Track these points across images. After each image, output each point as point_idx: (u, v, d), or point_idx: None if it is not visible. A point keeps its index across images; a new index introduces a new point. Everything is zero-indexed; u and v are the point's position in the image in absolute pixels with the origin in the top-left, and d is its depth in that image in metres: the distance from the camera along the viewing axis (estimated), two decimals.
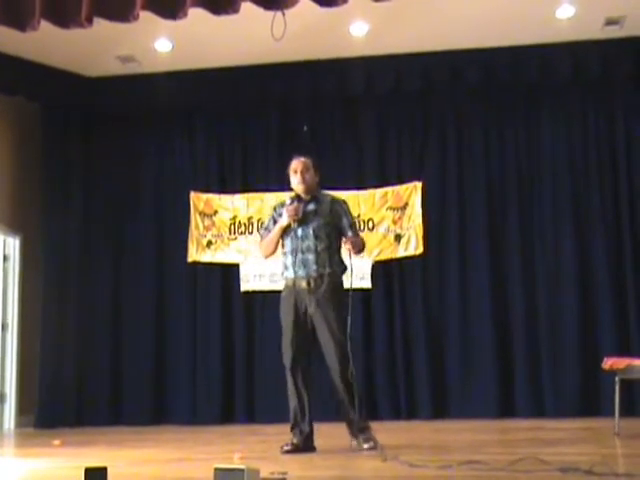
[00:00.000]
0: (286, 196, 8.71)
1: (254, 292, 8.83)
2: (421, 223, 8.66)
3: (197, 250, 8.98)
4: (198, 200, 9.06)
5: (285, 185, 8.71)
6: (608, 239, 8.33)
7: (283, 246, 5.70)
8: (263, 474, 3.92)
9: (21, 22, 5.59)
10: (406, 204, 8.73)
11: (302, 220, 5.60)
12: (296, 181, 5.72)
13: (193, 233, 9.02)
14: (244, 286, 8.83)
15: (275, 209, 5.87)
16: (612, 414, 6.21)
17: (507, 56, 8.45)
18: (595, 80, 8.54)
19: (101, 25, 5.71)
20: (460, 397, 8.38)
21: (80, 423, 8.59)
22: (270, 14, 5.47)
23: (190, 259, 8.97)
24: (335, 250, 5.66)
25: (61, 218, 8.86)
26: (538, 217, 8.53)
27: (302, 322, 5.58)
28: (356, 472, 4.79)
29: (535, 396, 8.21)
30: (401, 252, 8.68)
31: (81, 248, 8.98)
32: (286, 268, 5.68)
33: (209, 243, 9.01)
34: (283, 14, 5.41)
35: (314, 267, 5.55)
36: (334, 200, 5.80)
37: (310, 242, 5.58)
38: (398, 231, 8.72)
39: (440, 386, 8.44)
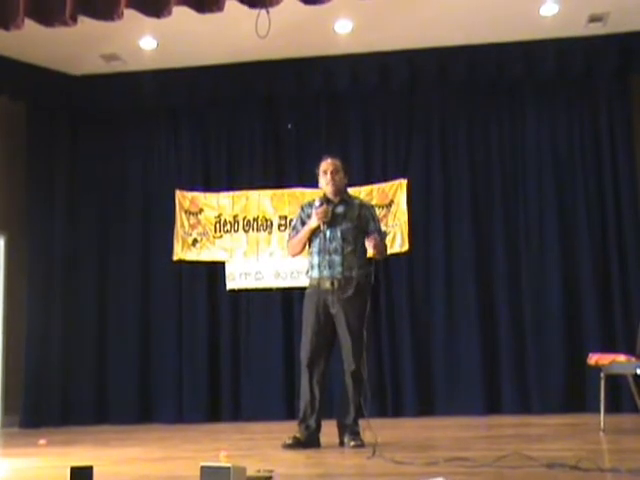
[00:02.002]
0: (272, 194, 8.83)
1: (240, 290, 8.82)
2: (407, 220, 8.66)
3: (182, 248, 8.96)
4: (183, 198, 9.04)
5: (270, 182, 8.86)
6: (593, 236, 8.35)
7: (310, 246, 5.81)
8: (249, 472, 3.92)
9: (5, 20, 5.58)
10: (391, 201, 8.73)
11: (330, 222, 5.69)
12: (325, 182, 5.82)
13: (178, 231, 9.00)
14: (230, 284, 8.82)
15: (303, 209, 5.98)
16: (597, 410, 6.24)
17: (492, 53, 8.47)
18: (579, 76, 8.57)
19: (85, 23, 5.71)
20: (446, 394, 8.39)
21: (65, 422, 8.55)
22: (255, 12, 5.47)
23: (175, 257, 8.95)
24: (362, 253, 5.74)
25: (46, 217, 8.83)
26: (523, 214, 8.56)
27: (323, 321, 5.67)
28: (341, 469, 4.80)
29: (521, 392, 8.23)
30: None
31: (66, 247, 8.93)
32: (312, 267, 5.77)
33: (194, 241, 8.99)
34: (267, 12, 5.42)
35: (339, 269, 5.65)
36: (362, 204, 5.93)
37: (337, 244, 5.68)
38: (384, 228, 8.72)
39: (426, 383, 8.45)
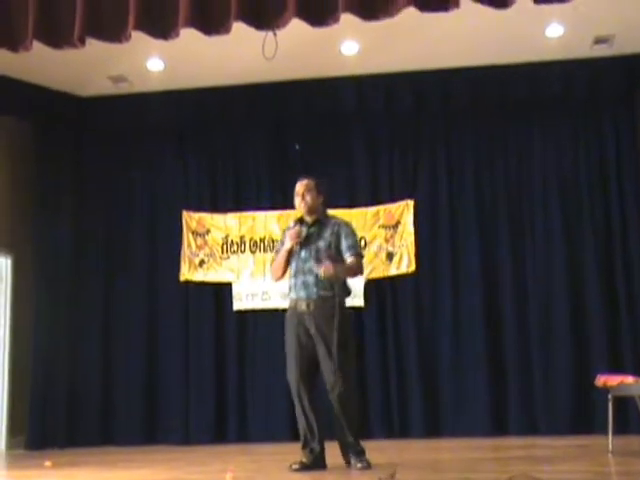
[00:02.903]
0: (278, 215, 8.84)
1: (246, 311, 8.82)
2: (413, 241, 8.66)
3: (189, 269, 8.97)
4: (190, 219, 9.06)
5: (277, 203, 8.87)
6: (599, 256, 8.34)
7: (290, 268, 5.85)
8: None
9: (14, 42, 5.62)
10: (398, 222, 8.74)
11: (305, 242, 5.73)
12: (297, 202, 5.87)
13: (185, 252, 9.01)
14: (236, 305, 8.81)
15: (284, 232, 6.01)
16: (605, 431, 6.22)
17: (497, 74, 8.49)
18: (584, 98, 8.58)
19: (93, 45, 5.74)
20: (453, 415, 8.36)
21: (71, 444, 8.52)
22: (261, 34, 5.51)
23: (182, 278, 8.95)
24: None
25: (53, 238, 8.83)
26: (529, 234, 8.55)
27: (304, 343, 5.65)
28: None
29: (528, 414, 8.20)
30: (393, 270, 8.69)
31: (73, 267, 8.94)
32: (290, 290, 5.80)
33: (201, 262, 9.00)
34: (274, 34, 5.45)
35: (314, 289, 5.64)
36: (337, 222, 5.91)
37: (311, 264, 5.68)
38: (390, 249, 8.73)
39: (433, 404, 8.41)
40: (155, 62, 8.22)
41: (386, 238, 8.75)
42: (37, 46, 5.64)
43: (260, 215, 8.86)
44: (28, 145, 8.99)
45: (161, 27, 5.45)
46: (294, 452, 5.66)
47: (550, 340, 8.29)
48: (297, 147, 8.97)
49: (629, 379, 6.24)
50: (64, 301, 8.83)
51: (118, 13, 5.42)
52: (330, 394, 5.58)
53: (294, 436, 7.92)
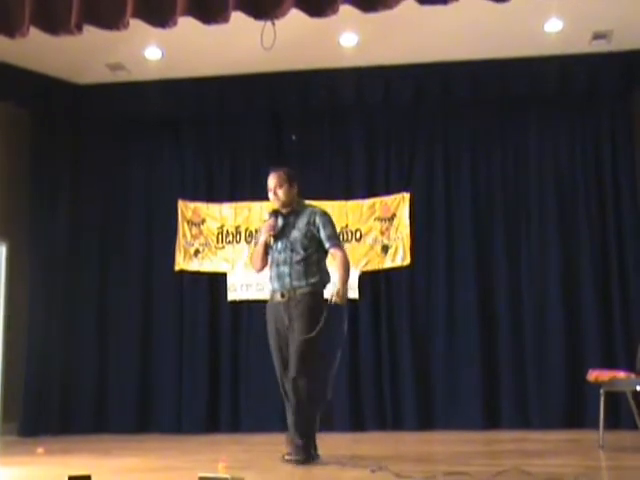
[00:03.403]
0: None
1: (241, 301, 8.82)
2: (409, 234, 8.67)
3: (184, 259, 8.97)
4: (186, 209, 9.06)
5: None
6: (594, 252, 8.35)
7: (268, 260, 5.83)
8: None
9: (10, 28, 5.60)
10: (394, 215, 8.74)
11: (280, 234, 5.69)
12: (270, 197, 5.85)
13: (180, 242, 9.01)
14: (231, 295, 8.82)
15: (265, 221, 5.94)
16: (597, 426, 6.23)
17: (496, 69, 8.49)
18: (582, 93, 8.58)
19: (91, 32, 5.72)
20: (446, 408, 8.38)
21: (64, 431, 8.53)
22: (260, 24, 5.49)
23: (177, 268, 8.95)
24: (313, 262, 5.66)
25: (48, 225, 8.82)
26: (525, 229, 8.56)
27: (283, 335, 5.61)
28: None
29: (520, 408, 8.22)
30: (388, 263, 8.69)
31: (68, 255, 8.94)
32: (269, 281, 5.80)
33: (196, 252, 9.00)
34: (273, 24, 5.44)
35: (287, 280, 5.61)
36: (314, 212, 5.84)
37: (286, 255, 5.65)
38: (385, 242, 8.73)
39: (426, 397, 8.43)
40: (153, 51, 8.20)
41: (381, 231, 8.76)
42: (34, 32, 5.62)
43: (256, 205, 8.85)
44: (25, 132, 8.97)
45: (159, 15, 5.44)
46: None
47: (543, 335, 8.31)
48: (294, 138, 8.96)
49: (620, 374, 6.25)
50: (59, 289, 8.83)
51: (116, 0, 5.40)
52: (289, 378, 5.51)
53: (285, 426, 7.98)
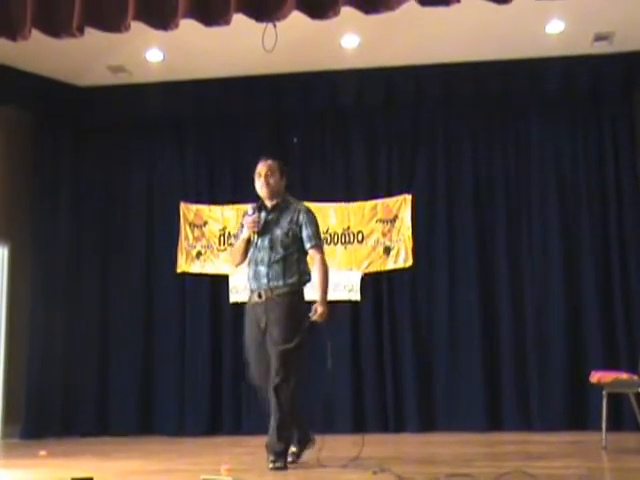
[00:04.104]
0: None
1: (243, 303, 8.78)
2: (410, 236, 8.67)
3: (186, 261, 8.97)
4: (188, 211, 9.06)
5: None
6: (596, 253, 8.35)
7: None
8: None
9: (12, 31, 5.60)
10: (396, 216, 8.74)
11: (262, 230, 5.46)
12: (259, 184, 5.58)
13: (182, 244, 9.01)
14: (233, 297, 8.81)
15: (244, 216, 5.69)
16: (599, 428, 6.22)
17: (497, 70, 8.49)
18: (584, 95, 8.58)
19: (92, 35, 5.72)
20: (448, 410, 8.37)
21: (66, 433, 8.53)
22: (261, 26, 5.49)
23: (179, 270, 8.95)
24: (293, 262, 5.45)
25: (50, 227, 8.84)
26: (527, 230, 8.56)
27: (259, 336, 5.40)
28: None
29: (522, 409, 8.21)
30: (390, 265, 8.69)
31: (70, 257, 8.95)
32: (247, 280, 5.58)
33: (198, 254, 9.00)
34: (274, 26, 5.44)
35: (264, 280, 5.39)
36: (298, 209, 5.59)
37: (264, 254, 5.42)
38: (387, 243, 8.73)
39: (428, 399, 8.43)
40: (154, 53, 8.21)
41: (383, 232, 8.75)
42: (36, 35, 5.62)
43: None
44: (26, 134, 8.99)
45: (161, 18, 5.44)
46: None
47: (546, 336, 8.31)
48: (295, 140, 8.96)
49: (623, 376, 6.25)
50: (61, 291, 8.84)
51: (118, 3, 5.40)
52: (270, 384, 5.32)
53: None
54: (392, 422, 8.41)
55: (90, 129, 9.20)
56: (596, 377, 6.33)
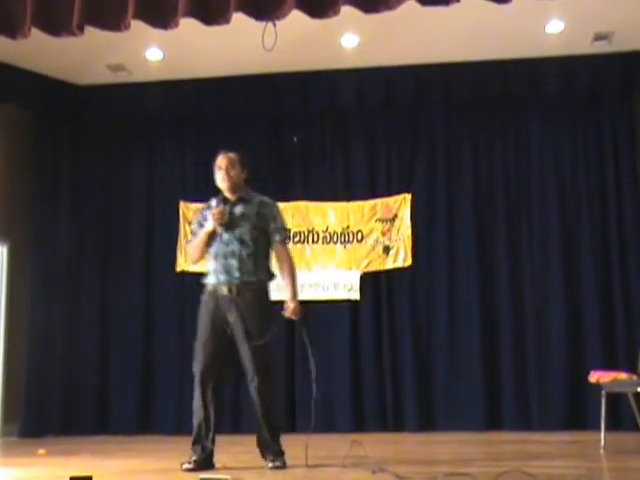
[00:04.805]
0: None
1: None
2: (410, 235, 8.67)
3: (186, 260, 8.95)
4: (187, 210, 9.05)
5: (273, 196, 8.84)
6: (596, 253, 8.35)
7: (209, 251, 5.40)
8: None
9: (12, 29, 5.59)
10: (395, 216, 8.74)
11: (228, 224, 5.28)
12: (220, 177, 5.40)
13: (182, 243, 9.00)
14: None
15: (202, 212, 5.52)
16: (598, 428, 6.22)
17: (497, 69, 8.50)
18: (584, 94, 8.58)
19: (92, 33, 5.72)
20: (447, 409, 8.38)
21: (65, 432, 8.53)
22: (261, 25, 5.48)
23: (178, 269, 8.95)
24: (262, 257, 5.35)
25: (49, 226, 8.84)
26: (526, 230, 8.56)
27: (219, 330, 5.30)
28: None
29: (522, 409, 8.22)
30: (390, 264, 8.69)
31: (69, 256, 8.94)
32: (209, 273, 5.41)
33: None
34: (274, 25, 5.43)
35: (237, 274, 5.24)
36: (262, 202, 5.45)
37: (235, 247, 5.26)
38: (387, 243, 8.73)
39: (427, 398, 8.43)
40: (154, 52, 8.21)
41: (383, 232, 8.75)
42: (35, 33, 5.62)
43: None
44: (26, 133, 8.99)
45: (160, 16, 5.43)
46: (288, 444, 5.66)
47: (545, 336, 8.31)
48: (295, 139, 8.97)
49: (622, 376, 6.24)
50: (60, 289, 8.84)
51: (118, 1, 5.39)
52: (250, 388, 5.25)
53: (287, 428, 7.97)
54: (391, 421, 8.42)
55: (90, 128, 9.21)
56: (595, 377, 6.32)
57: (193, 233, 5.59)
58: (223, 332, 5.29)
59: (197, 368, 5.35)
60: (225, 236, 5.29)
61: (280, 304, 5.37)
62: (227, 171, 5.37)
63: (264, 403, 5.22)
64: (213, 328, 5.32)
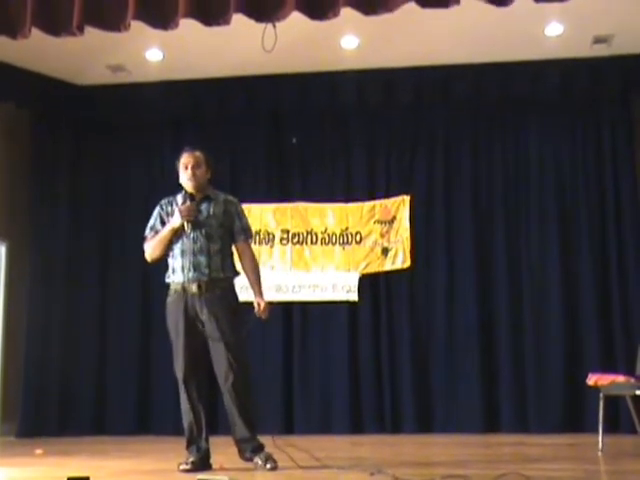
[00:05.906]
0: (274, 208, 8.83)
1: (243, 303, 8.77)
2: (409, 237, 8.67)
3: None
4: None
5: (273, 196, 8.87)
6: (594, 256, 8.36)
7: (171, 248, 5.33)
8: None
9: (12, 29, 5.60)
10: (394, 217, 8.74)
11: (195, 221, 5.22)
12: (186, 177, 5.32)
13: None
14: None
15: (162, 207, 5.43)
16: (596, 430, 6.22)
17: (496, 72, 8.50)
18: (583, 97, 8.60)
19: (92, 34, 5.72)
20: (445, 411, 8.38)
21: (63, 433, 8.52)
22: (261, 26, 5.49)
23: None
24: (228, 254, 5.33)
25: (48, 227, 8.84)
26: (525, 232, 8.57)
27: (194, 329, 5.22)
28: None
29: (519, 411, 8.22)
30: (388, 265, 8.69)
31: (68, 256, 8.94)
32: (174, 271, 5.34)
33: None
34: (274, 26, 5.44)
35: (206, 270, 5.19)
36: (227, 200, 5.42)
37: (202, 244, 5.20)
38: (385, 244, 8.73)
39: (425, 400, 8.44)
40: (154, 52, 8.21)
41: (381, 233, 8.75)
42: (36, 33, 5.62)
43: (256, 207, 8.83)
44: (26, 133, 8.99)
45: (160, 17, 5.44)
46: (286, 444, 5.66)
47: (543, 338, 8.32)
48: (294, 141, 8.97)
49: (620, 378, 6.24)
50: (59, 290, 8.83)
51: (118, 2, 5.40)
52: (223, 384, 5.17)
53: (285, 429, 7.98)
54: (389, 423, 8.42)
55: (89, 128, 9.20)
56: (593, 379, 6.32)
57: (152, 229, 5.44)
58: (197, 331, 5.22)
59: (179, 371, 5.25)
60: (192, 233, 5.23)
61: (245, 305, 5.33)
62: (193, 170, 5.30)
63: (239, 398, 5.16)
64: (187, 329, 5.22)
